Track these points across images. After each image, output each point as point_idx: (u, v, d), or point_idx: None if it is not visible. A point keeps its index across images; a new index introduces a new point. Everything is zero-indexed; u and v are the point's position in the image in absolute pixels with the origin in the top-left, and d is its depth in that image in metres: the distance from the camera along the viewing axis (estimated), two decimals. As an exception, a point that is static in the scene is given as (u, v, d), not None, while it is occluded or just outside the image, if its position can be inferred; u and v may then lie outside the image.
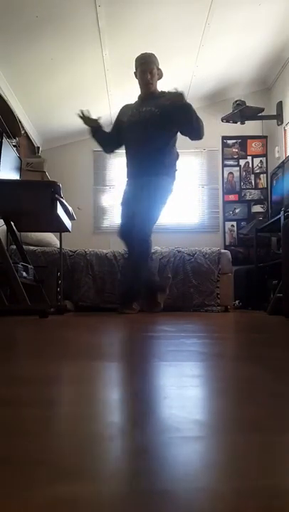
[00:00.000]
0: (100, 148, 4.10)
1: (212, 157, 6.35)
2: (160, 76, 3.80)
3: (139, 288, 3.62)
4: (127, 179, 3.82)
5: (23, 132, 4.69)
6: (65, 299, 4.23)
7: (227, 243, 6.21)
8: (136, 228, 3.52)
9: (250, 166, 6.35)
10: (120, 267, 4.45)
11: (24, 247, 3.76)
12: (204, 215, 6.32)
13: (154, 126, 3.60)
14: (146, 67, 3.70)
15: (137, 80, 3.79)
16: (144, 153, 3.63)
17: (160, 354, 1.12)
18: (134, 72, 3.78)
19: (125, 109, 3.87)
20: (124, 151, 3.86)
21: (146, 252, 3.56)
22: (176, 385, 0.72)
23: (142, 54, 3.74)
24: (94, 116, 3.82)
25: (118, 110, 4.02)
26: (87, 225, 6.10)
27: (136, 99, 3.87)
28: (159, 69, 3.78)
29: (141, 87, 3.79)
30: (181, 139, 3.80)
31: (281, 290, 3.22)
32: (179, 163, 3.83)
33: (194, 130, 3.62)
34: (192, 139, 3.68)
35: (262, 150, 6.33)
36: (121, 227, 3.73)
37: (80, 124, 3.94)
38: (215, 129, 6.19)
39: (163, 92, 3.76)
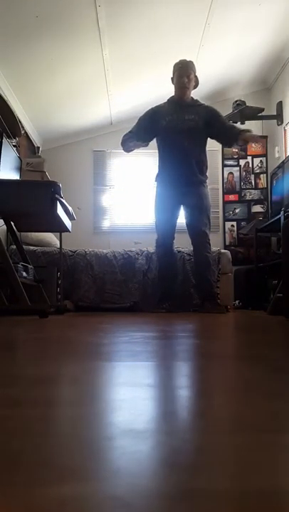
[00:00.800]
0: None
1: (212, 157, 6.33)
2: (196, 84, 3.90)
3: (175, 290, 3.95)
4: (161, 184, 3.88)
5: (23, 132, 4.69)
6: (65, 299, 4.23)
7: (227, 243, 6.21)
8: (199, 242, 3.77)
9: (250, 166, 6.35)
10: (158, 268, 4.26)
11: (24, 247, 3.76)
12: (204, 215, 6.32)
13: (196, 137, 3.72)
14: (184, 72, 3.80)
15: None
16: (186, 163, 3.73)
17: (160, 354, 1.12)
18: (171, 78, 3.89)
19: (159, 111, 3.87)
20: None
21: (210, 257, 3.87)
22: (175, 384, 0.72)
23: (181, 60, 3.87)
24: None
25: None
26: (87, 225, 6.09)
27: (166, 102, 3.91)
28: (196, 76, 3.88)
29: (176, 91, 3.87)
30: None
31: (281, 290, 3.21)
32: None
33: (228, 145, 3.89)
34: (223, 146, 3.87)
35: (262, 150, 6.33)
36: (162, 235, 3.84)
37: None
38: (215, 129, 6.19)
39: (197, 101, 3.84)
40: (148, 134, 3.80)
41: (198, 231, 3.75)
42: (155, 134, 3.82)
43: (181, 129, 3.71)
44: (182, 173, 3.73)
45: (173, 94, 3.91)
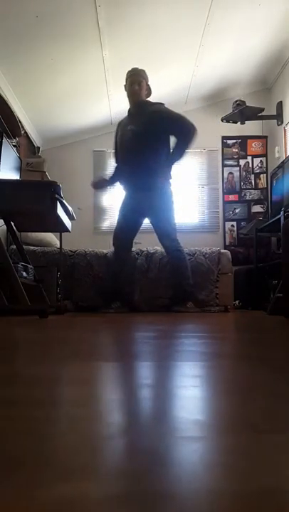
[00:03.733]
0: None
1: (212, 157, 6.36)
2: (148, 92, 3.90)
3: (187, 289, 3.96)
4: (125, 191, 3.99)
5: (23, 132, 4.69)
6: (65, 299, 4.22)
7: (227, 243, 6.21)
8: (166, 243, 3.83)
9: (250, 166, 6.35)
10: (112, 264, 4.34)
11: (24, 247, 3.76)
12: (204, 215, 6.33)
13: (138, 145, 3.71)
14: (134, 79, 3.83)
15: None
16: (136, 174, 3.78)
17: (160, 354, 1.12)
18: (124, 85, 3.91)
19: (118, 127, 4.00)
20: None
21: (184, 258, 3.89)
22: (175, 385, 0.72)
23: (134, 68, 3.89)
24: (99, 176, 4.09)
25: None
26: (87, 225, 6.10)
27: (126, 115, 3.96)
28: (148, 85, 3.90)
29: (128, 99, 3.90)
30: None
31: (281, 290, 3.22)
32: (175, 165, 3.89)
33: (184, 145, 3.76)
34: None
35: (262, 150, 6.33)
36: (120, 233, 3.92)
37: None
38: (215, 129, 6.20)
39: (147, 102, 3.86)
40: None
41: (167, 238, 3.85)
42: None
43: (123, 141, 3.81)
44: (136, 183, 3.82)
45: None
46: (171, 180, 3.88)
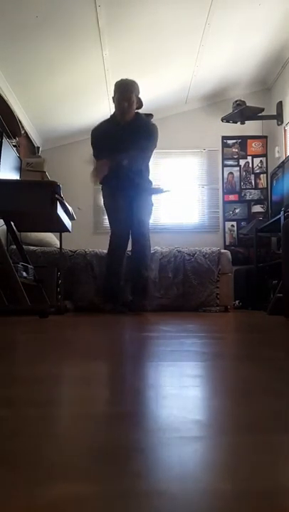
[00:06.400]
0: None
1: (212, 157, 6.35)
2: (139, 105, 3.72)
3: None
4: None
5: (23, 132, 4.69)
6: (65, 299, 4.22)
7: (227, 243, 6.21)
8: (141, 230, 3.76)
9: (250, 166, 6.35)
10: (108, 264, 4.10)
11: (24, 247, 3.75)
12: (204, 215, 6.32)
13: (132, 152, 3.64)
14: (123, 96, 3.59)
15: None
16: (127, 174, 3.74)
17: (160, 354, 1.12)
18: (112, 98, 3.73)
19: (97, 132, 3.83)
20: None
21: (149, 254, 3.89)
22: (175, 384, 0.72)
23: (122, 80, 3.66)
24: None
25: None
26: (87, 225, 6.09)
27: (106, 121, 3.82)
28: (138, 97, 3.68)
29: (116, 113, 3.72)
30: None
31: (281, 290, 3.21)
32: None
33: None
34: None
35: (262, 150, 6.33)
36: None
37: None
38: (215, 129, 6.20)
39: (139, 117, 3.73)
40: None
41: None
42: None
43: (121, 148, 3.63)
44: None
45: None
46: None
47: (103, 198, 3.96)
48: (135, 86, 3.65)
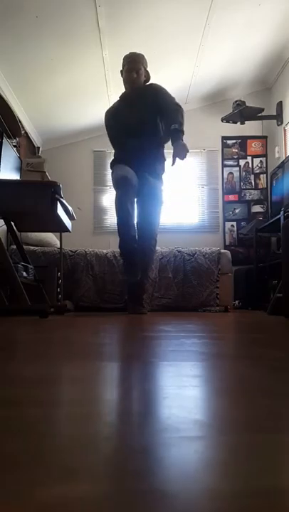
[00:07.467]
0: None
1: (212, 157, 6.36)
2: (147, 78, 3.74)
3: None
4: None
5: (23, 132, 4.69)
6: (65, 299, 4.23)
7: (227, 243, 6.21)
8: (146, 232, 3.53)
9: (250, 166, 6.36)
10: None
11: (24, 247, 3.76)
12: (204, 215, 6.33)
13: (144, 128, 3.56)
14: (133, 66, 3.64)
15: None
16: (142, 158, 3.60)
17: (160, 354, 1.12)
18: (121, 71, 3.75)
19: (110, 115, 3.78)
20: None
21: (153, 258, 3.78)
22: (175, 384, 0.72)
23: (131, 53, 3.70)
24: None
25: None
26: (87, 225, 6.10)
27: (117, 101, 3.80)
28: (146, 70, 3.72)
29: (125, 86, 3.73)
30: (183, 139, 3.78)
31: (281, 290, 3.22)
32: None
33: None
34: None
35: (262, 150, 6.34)
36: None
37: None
38: (215, 129, 6.21)
39: (147, 85, 3.69)
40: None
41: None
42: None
43: (133, 124, 3.57)
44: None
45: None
46: (164, 176, 3.73)
47: (112, 174, 3.70)
48: (144, 58, 3.70)
